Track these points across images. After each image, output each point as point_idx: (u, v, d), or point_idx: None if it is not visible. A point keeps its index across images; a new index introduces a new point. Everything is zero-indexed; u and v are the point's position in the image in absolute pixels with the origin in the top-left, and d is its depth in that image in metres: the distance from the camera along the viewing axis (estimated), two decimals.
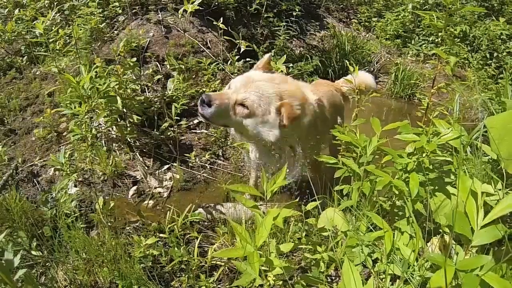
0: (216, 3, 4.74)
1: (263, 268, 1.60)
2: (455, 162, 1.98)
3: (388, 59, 6.14)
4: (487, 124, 1.47)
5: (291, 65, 4.37)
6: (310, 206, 2.01)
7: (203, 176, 3.23)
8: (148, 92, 3.79)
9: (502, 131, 1.42)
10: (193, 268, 2.16)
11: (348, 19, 6.97)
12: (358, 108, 2.49)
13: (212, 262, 2.21)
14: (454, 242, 1.73)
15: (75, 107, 2.67)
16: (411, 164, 1.71)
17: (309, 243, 1.97)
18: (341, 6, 7.13)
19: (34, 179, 3.30)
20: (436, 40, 6.36)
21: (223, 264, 2.19)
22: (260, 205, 2.03)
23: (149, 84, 3.83)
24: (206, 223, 2.63)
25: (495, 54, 6.31)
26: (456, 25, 6.40)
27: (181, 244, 2.31)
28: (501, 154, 1.44)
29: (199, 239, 2.32)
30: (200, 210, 2.65)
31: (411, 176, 1.69)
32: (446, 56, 2.06)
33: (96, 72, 3.02)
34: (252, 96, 2.21)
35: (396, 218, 1.97)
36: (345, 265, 1.48)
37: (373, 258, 1.85)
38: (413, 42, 6.53)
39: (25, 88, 4.37)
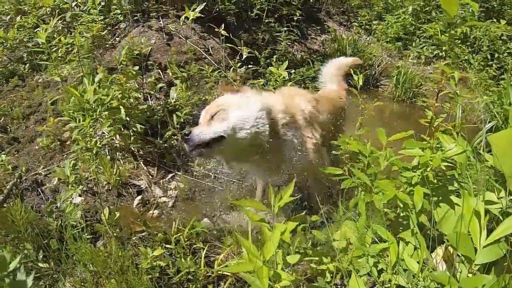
0: (217, 9, 4.75)
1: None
2: (458, 167, 1.99)
3: (389, 62, 6.15)
4: (491, 140, 1.49)
5: (293, 71, 4.39)
6: (314, 218, 2.04)
7: (207, 184, 3.25)
8: (151, 100, 3.81)
9: (506, 148, 1.44)
10: (200, 279, 2.18)
11: (348, 23, 6.98)
12: (362, 116, 2.50)
13: (219, 272, 2.23)
14: (458, 254, 1.75)
15: (79, 120, 2.68)
16: (415, 178, 1.73)
17: (315, 253, 1.99)
18: (342, 9, 7.14)
19: (38, 188, 3.31)
20: (439, 52, 6.36)
21: (230, 274, 2.21)
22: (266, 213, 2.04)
23: (152, 92, 3.85)
24: (211, 233, 2.65)
25: (496, 55, 6.31)
26: (457, 27, 6.40)
27: (188, 254, 2.33)
28: (504, 171, 1.46)
29: (205, 249, 2.33)
30: (206, 220, 2.66)
31: (416, 190, 1.71)
32: (450, 71, 2.07)
33: (99, 83, 3.04)
34: (218, 100, 2.39)
35: (401, 228, 1.99)
36: (352, 278, 1.51)
37: (378, 269, 1.86)
38: (414, 44, 6.54)
39: (27, 96, 4.39)
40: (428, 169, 1.73)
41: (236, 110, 2.31)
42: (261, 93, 2.57)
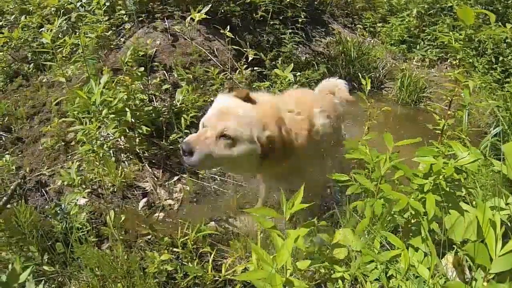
0: (222, 11, 4.74)
1: None
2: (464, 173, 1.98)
3: (393, 65, 6.14)
4: (505, 150, 1.48)
5: (298, 73, 4.37)
6: (322, 223, 2.03)
7: (213, 187, 3.23)
8: (156, 102, 3.79)
9: None
10: (207, 283, 2.16)
11: (353, 25, 6.97)
12: (370, 121, 2.49)
13: (226, 276, 2.21)
14: (468, 260, 1.74)
15: (86, 123, 2.67)
16: (427, 185, 1.72)
17: (324, 258, 1.98)
18: (346, 11, 7.13)
19: (42, 189, 3.29)
20: (443, 55, 6.34)
21: (237, 279, 2.19)
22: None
23: (157, 94, 3.83)
24: (218, 237, 2.63)
25: (501, 58, 6.29)
26: (461, 30, 6.39)
27: (194, 259, 2.31)
28: None
29: (213, 254, 2.31)
30: (212, 223, 2.65)
31: (428, 198, 1.70)
32: (464, 80, 2.06)
33: (105, 86, 3.03)
34: (231, 123, 2.12)
35: (410, 234, 1.98)
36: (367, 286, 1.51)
37: (388, 275, 1.86)
38: (418, 47, 6.52)
39: (32, 95, 4.37)
40: (441, 177, 1.71)
41: (243, 142, 2.15)
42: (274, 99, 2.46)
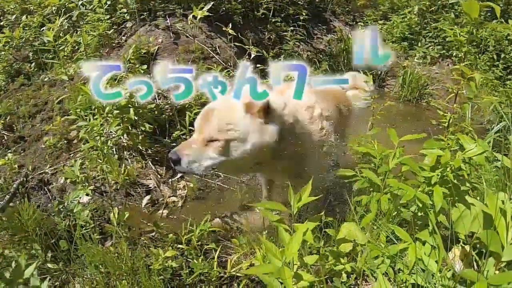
0: (224, 9, 4.73)
1: None
2: (468, 168, 1.97)
3: (395, 62, 6.13)
4: None
5: None
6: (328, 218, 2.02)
7: (217, 184, 3.22)
8: (159, 99, 3.78)
9: None
10: (213, 280, 2.15)
11: (354, 22, 6.95)
12: (373, 117, 2.47)
13: (232, 272, 2.20)
14: (474, 253, 1.74)
15: (89, 120, 2.66)
16: (434, 178, 1.71)
17: (330, 253, 1.97)
18: (347, 9, 7.11)
19: (45, 187, 3.29)
20: (445, 52, 6.32)
21: (243, 275, 2.18)
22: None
23: (159, 91, 3.82)
24: (222, 233, 2.62)
25: (503, 55, 6.28)
26: (463, 27, 6.37)
27: (199, 255, 2.30)
28: None
29: (218, 250, 2.30)
30: (217, 220, 2.64)
31: (435, 190, 1.69)
32: (470, 73, 2.05)
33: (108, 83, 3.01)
34: (213, 125, 1.98)
35: (416, 228, 1.97)
36: (379, 279, 1.51)
37: (396, 269, 1.85)
38: (419, 44, 6.50)
39: (33, 94, 4.36)
40: (448, 169, 1.71)
41: (242, 143, 2.00)
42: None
